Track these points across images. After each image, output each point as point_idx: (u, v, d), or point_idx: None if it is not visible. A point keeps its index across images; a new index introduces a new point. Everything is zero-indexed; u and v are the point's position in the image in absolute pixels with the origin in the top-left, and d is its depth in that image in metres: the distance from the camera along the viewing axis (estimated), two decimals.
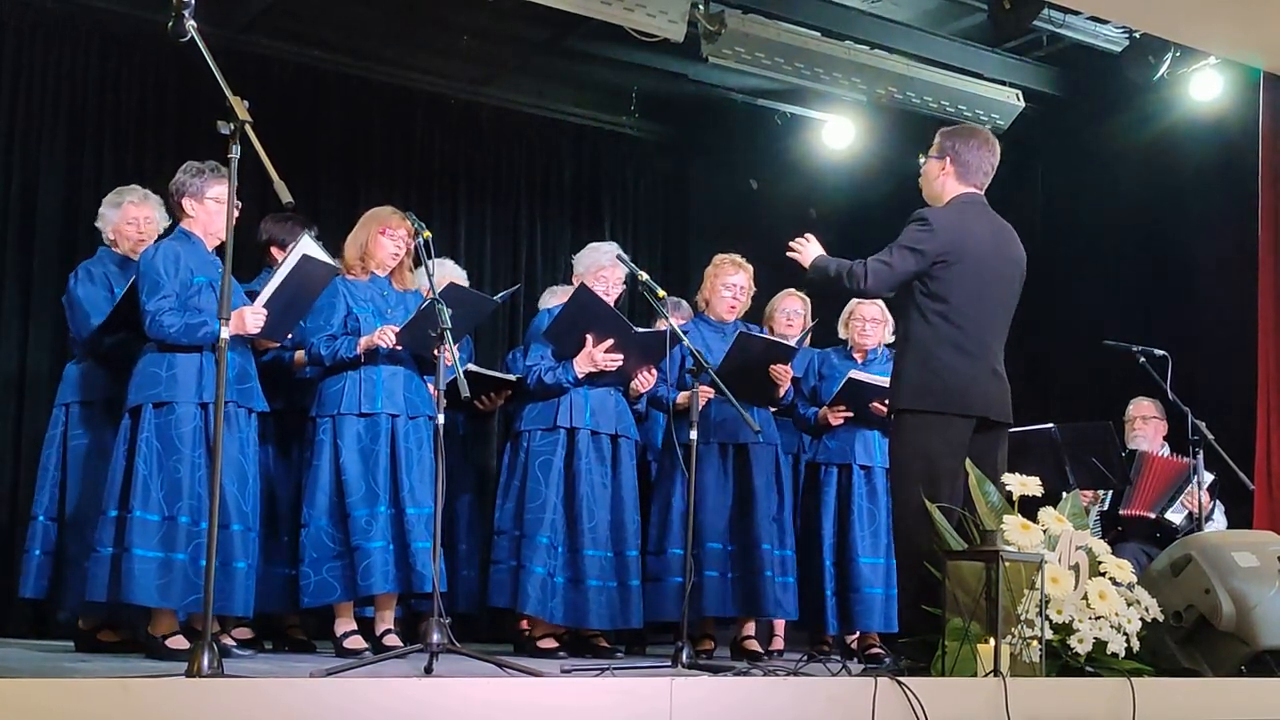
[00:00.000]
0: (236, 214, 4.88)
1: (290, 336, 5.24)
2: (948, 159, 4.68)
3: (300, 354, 5.35)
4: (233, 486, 4.76)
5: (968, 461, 4.40)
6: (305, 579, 5.07)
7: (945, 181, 4.69)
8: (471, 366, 5.77)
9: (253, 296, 4.94)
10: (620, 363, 5.62)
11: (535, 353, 5.75)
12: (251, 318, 4.79)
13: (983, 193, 4.71)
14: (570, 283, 6.01)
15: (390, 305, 5.32)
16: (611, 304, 5.74)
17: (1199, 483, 6.38)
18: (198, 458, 4.70)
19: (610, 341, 5.59)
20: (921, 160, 4.80)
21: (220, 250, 5.02)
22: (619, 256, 5.70)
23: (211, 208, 4.87)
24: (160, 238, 5.18)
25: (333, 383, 5.21)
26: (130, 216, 5.35)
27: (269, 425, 5.27)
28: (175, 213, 5.03)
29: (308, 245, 4.90)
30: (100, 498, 4.82)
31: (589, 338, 5.60)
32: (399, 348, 5.17)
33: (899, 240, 4.55)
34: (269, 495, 5.33)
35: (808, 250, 4.75)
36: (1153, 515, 6.53)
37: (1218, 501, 6.67)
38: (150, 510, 4.66)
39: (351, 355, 5.15)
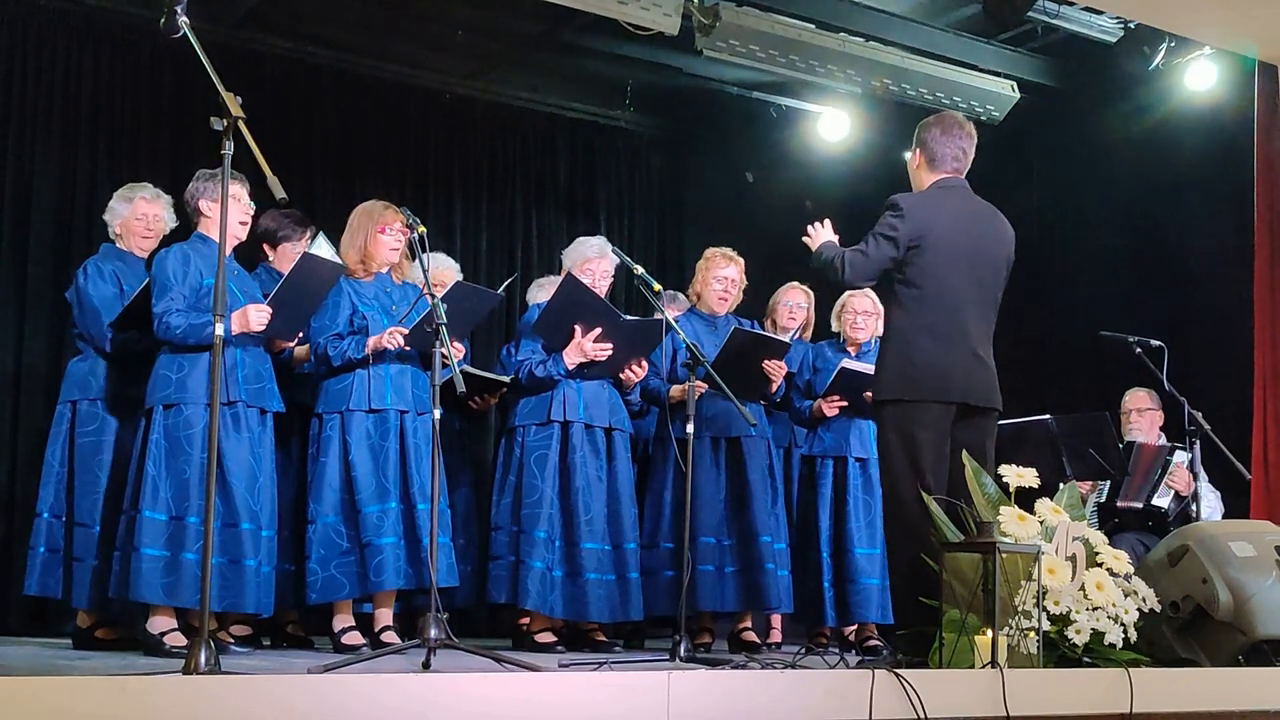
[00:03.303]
0: (250, 215, 4.96)
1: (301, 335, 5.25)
2: (917, 150, 4.78)
3: (301, 349, 5.35)
4: (241, 486, 4.78)
5: (964, 454, 4.40)
6: (312, 575, 5.07)
7: (920, 173, 4.77)
8: (466, 367, 5.77)
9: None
10: (610, 352, 5.61)
11: (526, 348, 5.75)
12: (255, 315, 4.80)
13: (962, 176, 4.74)
14: (558, 275, 6.00)
15: (395, 301, 5.32)
16: (600, 296, 5.74)
17: (1183, 463, 6.38)
18: (206, 458, 4.69)
19: (599, 331, 5.58)
20: (907, 156, 4.88)
21: (237, 252, 5.05)
22: (614, 251, 5.70)
23: (229, 206, 4.87)
24: (176, 241, 5.17)
25: (339, 379, 5.20)
26: (140, 212, 5.35)
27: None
28: (192, 218, 5.05)
29: (318, 245, 4.91)
30: (107, 495, 4.88)
31: (578, 329, 5.60)
32: (408, 348, 5.18)
33: (875, 228, 4.60)
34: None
35: (817, 236, 4.84)
36: (1139, 504, 6.54)
37: (1207, 484, 6.65)
38: (158, 510, 4.69)
39: (360, 356, 5.15)
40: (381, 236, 5.29)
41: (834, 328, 6.43)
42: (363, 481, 5.09)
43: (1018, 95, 7.84)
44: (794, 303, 6.45)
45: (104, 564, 4.88)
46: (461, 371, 4.59)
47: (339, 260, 5.10)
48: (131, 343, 5.05)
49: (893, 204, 4.61)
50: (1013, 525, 4.14)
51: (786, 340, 6.00)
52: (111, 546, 4.84)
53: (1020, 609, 4.03)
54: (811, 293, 6.48)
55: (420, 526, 5.08)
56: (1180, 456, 6.43)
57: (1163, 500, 6.56)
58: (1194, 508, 6.28)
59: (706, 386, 5.58)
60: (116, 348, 5.12)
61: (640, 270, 5.26)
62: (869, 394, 5.93)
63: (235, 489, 4.75)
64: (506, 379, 5.83)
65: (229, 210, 4.80)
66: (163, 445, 4.74)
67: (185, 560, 4.66)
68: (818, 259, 4.76)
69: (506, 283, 6.39)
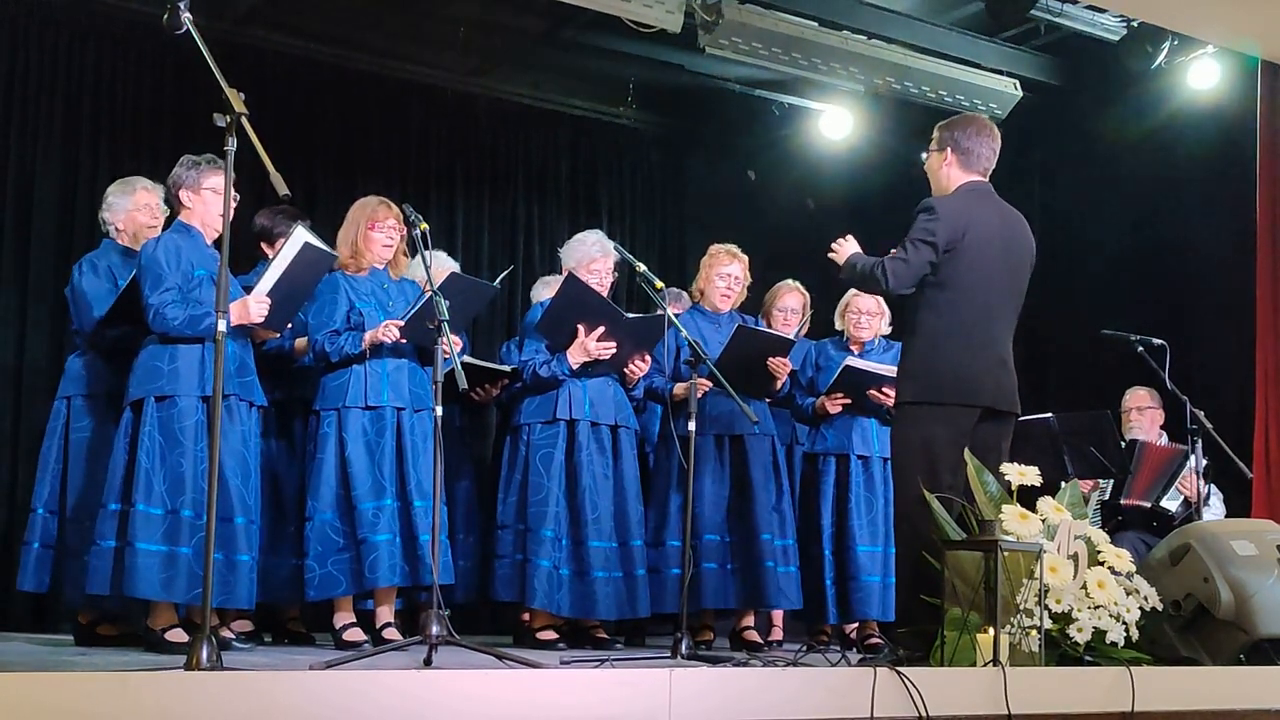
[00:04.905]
0: (234, 205, 4.94)
1: (291, 327, 5.23)
2: (948, 150, 4.70)
3: (300, 342, 5.34)
4: (236, 479, 4.75)
5: (966, 451, 4.39)
6: (310, 572, 5.06)
7: (949, 172, 4.70)
8: (467, 358, 5.77)
9: (249, 290, 4.92)
10: (614, 350, 5.61)
11: (530, 347, 5.74)
12: (255, 306, 4.78)
13: (987, 179, 4.72)
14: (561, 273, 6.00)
15: (391, 297, 5.31)
16: (604, 295, 5.73)
17: (1194, 468, 6.37)
18: (200, 451, 4.67)
19: (602, 329, 5.58)
20: (924, 156, 4.83)
21: (219, 242, 5.03)
22: (616, 248, 5.69)
23: (208, 198, 4.86)
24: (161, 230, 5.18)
25: (336, 376, 5.19)
26: (144, 202, 5.35)
27: (271, 416, 5.27)
28: (174, 206, 5.02)
29: (305, 234, 4.89)
30: (101, 491, 4.81)
31: (581, 328, 5.59)
32: (403, 341, 5.17)
33: (910, 234, 4.55)
34: (274, 486, 5.32)
35: (844, 249, 4.79)
36: (1148, 504, 6.53)
37: (1213, 486, 6.66)
38: (153, 504, 4.64)
39: (356, 351, 5.14)
40: (372, 233, 5.27)
41: (837, 325, 6.42)
42: (359, 478, 5.07)
43: (1020, 93, 7.84)
44: (789, 307, 6.37)
45: (95, 559, 4.85)
46: (462, 363, 4.57)
47: (330, 250, 5.07)
48: (125, 339, 4.99)
49: (927, 207, 4.56)
50: (1015, 523, 4.14)
51: (791, 338, 5.99)
52: (104, 541, 4.80)
53: (1022, 607, 4.03)
54: (807, 294, 6.46)
55: (416, 524, 5.07)
56: (1193, 461, 6.41)
57: (1172, 504, 6.55)
58: (1198, 513, 6.27)
59: (710, 384, 5.58)
60: (109, 344, 5.08)
61: (642, 267, 5.26)
62: (874, 392, 5.98)
63: (230, 483, 4.71)
64: (508, 369, 5.82)
65: (210, 202, 4.84)
66: (157, 438, 4.68)
67: (180, 555, 4.62)
68: (850, 271, 4.72)
69: (503, 274, 6.39)
